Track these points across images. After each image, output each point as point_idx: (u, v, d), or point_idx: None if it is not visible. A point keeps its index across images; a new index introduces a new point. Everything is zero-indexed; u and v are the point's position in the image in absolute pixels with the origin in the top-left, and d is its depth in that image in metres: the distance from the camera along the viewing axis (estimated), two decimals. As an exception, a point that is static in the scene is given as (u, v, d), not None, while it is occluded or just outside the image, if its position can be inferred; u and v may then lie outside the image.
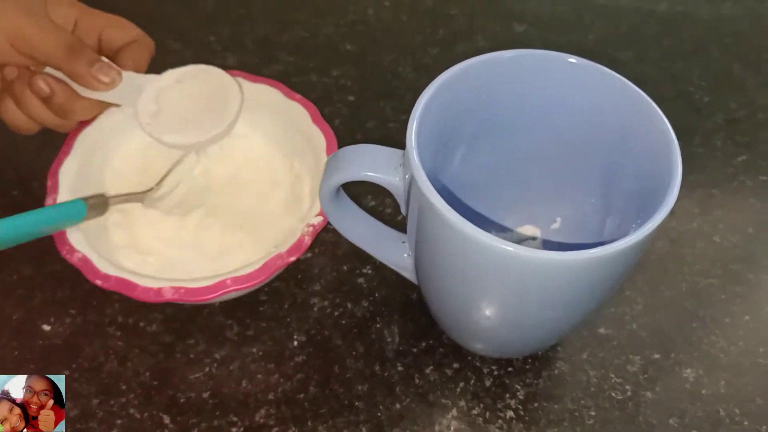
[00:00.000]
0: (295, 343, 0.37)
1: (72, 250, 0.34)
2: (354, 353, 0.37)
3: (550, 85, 0.33)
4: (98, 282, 0.33)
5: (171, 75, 0.38)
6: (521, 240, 0.39)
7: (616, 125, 0.32)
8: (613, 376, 0.37)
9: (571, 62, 0.32)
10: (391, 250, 0.35)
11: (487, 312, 0.32)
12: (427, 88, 0.31)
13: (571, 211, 0.37)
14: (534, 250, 0.26)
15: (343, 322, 0.38)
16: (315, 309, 0.38)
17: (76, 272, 0.38)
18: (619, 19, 0.55)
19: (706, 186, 0.45)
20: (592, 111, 0.33)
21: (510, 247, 0.25)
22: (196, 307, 0.38)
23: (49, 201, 0.36)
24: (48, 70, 0.36)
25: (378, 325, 0.38)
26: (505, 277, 0.28)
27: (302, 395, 0.35)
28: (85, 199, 0.35)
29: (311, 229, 0.34)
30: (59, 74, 0.36)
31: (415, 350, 0.37)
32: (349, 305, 0.39)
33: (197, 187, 0.40)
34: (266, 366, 0.36)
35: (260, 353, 0.37)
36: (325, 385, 0.36)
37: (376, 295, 0.39)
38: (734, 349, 0.38)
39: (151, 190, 0.39)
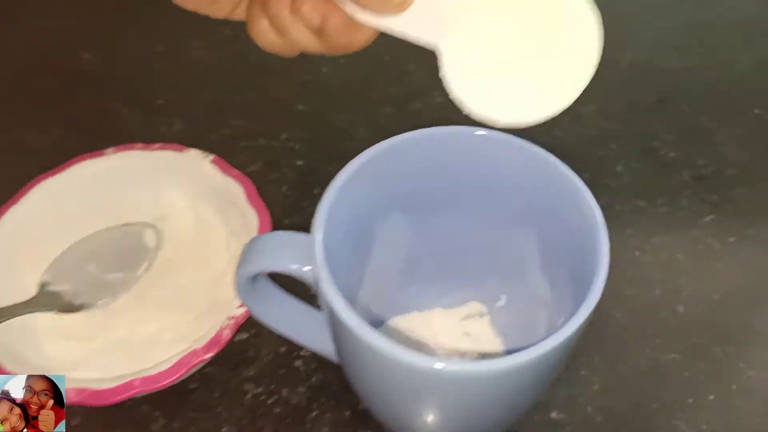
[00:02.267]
0: (225, 435, 0.35)
1: None
2: (286, 446, 0.35)
3: (467, 160, 0.31)
4: None
5: None
6: (467, 317, 0.37)
7: (543, 199, 0.30)
8: (565, 466, 0.34)
9: (480, 135, 0.30)
10: (316, 336, 0.33)
11: (418, 420, 0.29)
12: (340, 174, 0.29)
13: (515, 288, 0.35)
14: (436, 361, 0.23)
15: (277, 410, 0.36)
16: (248, 396, 0.36)
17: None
18: (583, 71, 0.52)
19: (670, 249, 0.42)
20: (515, 185, 0.31)
21: (409, 357, 0.23)
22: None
23: None
24: None
25: (314, 414, 0.36)
26: (420, 389, 0.26)
27: (229, 494, 0.33)
28: None
29: (232, 322, 0.32)
30: None
31: (351, 441, 0.35)
32: (285, 392, 0.36)
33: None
34: (192, 462, 0.34)
35: (187, 447, 0.35)
36: (253, 483, 0.34)
37: (313, 379, 0.37)
38: (697, 435, 0.35)
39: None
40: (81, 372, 0.32)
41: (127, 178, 0.39)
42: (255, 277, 0.31)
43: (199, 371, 0.37)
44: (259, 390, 0.36)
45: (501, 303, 0.36)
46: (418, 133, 0.30)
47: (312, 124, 0.49)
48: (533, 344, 0.23)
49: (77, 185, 0.38)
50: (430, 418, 0.29)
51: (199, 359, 0.31)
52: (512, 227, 0.32)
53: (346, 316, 0.24)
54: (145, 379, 0.31)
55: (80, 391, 0.30)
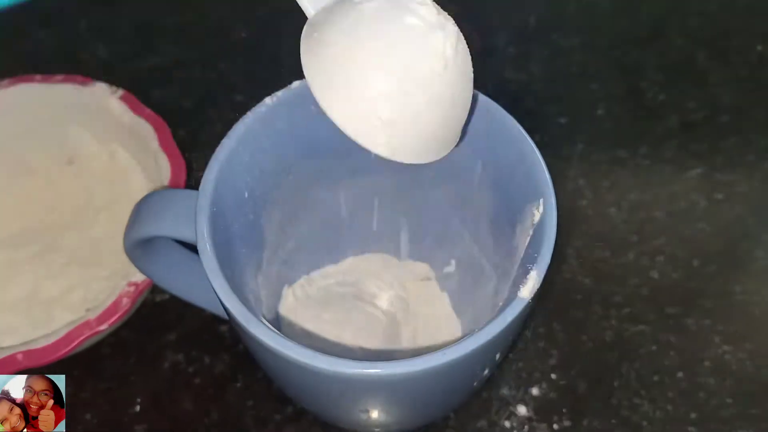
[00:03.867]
0: (138, 408, 0.31)
1: None
2: (206, 421, 0.31)
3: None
4: None
5: None
6: (414, 280, 0.33)
7: (492, 163, 0.25)
8: (514, 447, 0.31)
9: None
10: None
11: (344, 418, 0.26)
12: (236, 125, 0.24)
13: (461, 256, 0.31)
14: (342, 363, 0.19)
15: (198, 381, 0.32)
16: (166, 364, 0.33)
17: None
18: (566, -2, 0.46)
19: (648, 208, 0.37)
20: (468, 143, 0.26)
21: (309, 360, 0.19)
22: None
23: None
24: None
25: (238, 385, 0.32)
26: (333, 391, 0.22)
27: (139, 474, 0.30)
28: None
29: (133, 289, 0.28)
30: None
31: (278, 417, 0.31)
32: (207, 359, 0.33)
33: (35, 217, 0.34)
34: (99, 437, 0.31)
35: (95, 421, 0.31)
36: (167, 462, 0.30)
37: (240, 346, 0.33)
38: (660, 415, 0.32)
39: None
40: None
41: (27, 116, 0.34)
42: (152, 238, 0.26)
43: (114, 334, 0.33)
44: (179, 357, 0.33)
45: (450, 269, 0.32)
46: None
47: (255, 53, 0.43)
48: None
49: None
50: (355, 416, 0.25)
51: (93, 332, 0.27)
52: (453, 188, 0.27)
53: (232, 305, 0.20)
54: (30, 353, 0.27)
55: None
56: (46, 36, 0.43)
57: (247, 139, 0.24)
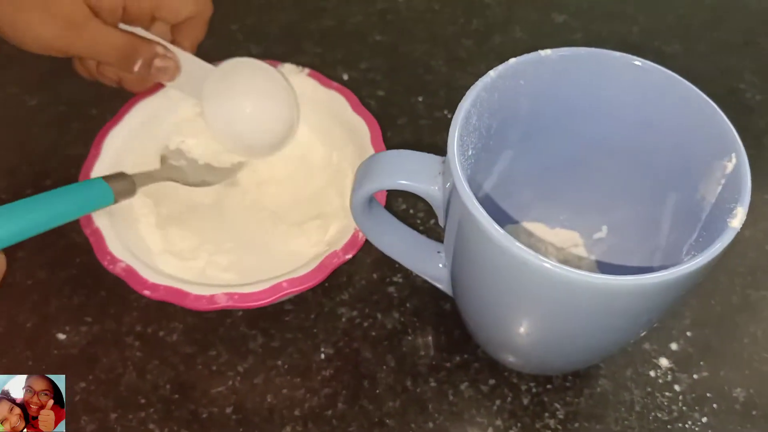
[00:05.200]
0: (323, 356, 0.35)
1: (114, 259, 0.32)
2: (384, 367, 0.35)
3: (602, 87, 0.30)
4: (146, 292, 0.31)
5: (223, 68, 0.38)
6: (561, 250, 0.37)
7: (674, 131, 0.30)
8: (658, 395, 0.35)
9: (624, 62, 0.30)
10: (426, 261, 0.33)
11: (528, 332, 0.29)
12: (470, 90, 0.28)
13: (618, 221, 0.35)
14: (585, 274, 0.23)
15: (373, 333, 0.36)
16: (343, 320, 0.36)
17: (92, 277, 0.37)
18: (666, 9, 0.51)
19: (758, 192, 0.41)
20: (647, 115, 0.30)
21: (559, 269, 0.23)
22: (218, 316, 0.36)
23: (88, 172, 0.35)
24: None
25: (410, 338, 0.36)
26: (551, 299, 0.26)
27: (330, 411, 0.34)
28: (107, 178, 0.33)
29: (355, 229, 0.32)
30: None
31: (448, 365, 0.35)
32: (379, 316, 0.37)
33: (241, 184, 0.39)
34: (292, 380, 0.34)
35: (285, 366, 0.35)
36: (354, 401, 0.34)
37: (408, 305, 0.37)
38: (788, 368, 0.35)
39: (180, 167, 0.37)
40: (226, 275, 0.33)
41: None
42: (370, 201, 0.31)
43: (293, 296, 0.37)
44: (354, 314, 0.37)
45: (601, 234, 0.36)
46: (551, 53, 0.29)
47: (390, 55, 0.48)
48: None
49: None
50: (541, 335, 0.29)
51: (341, 260, 0.32)
52: (634, 158, 0.32)
53: (491, 226, 0.24)
54: (293, 280, 0.31)
55: (230, 295, 0.31)
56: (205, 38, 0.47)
57: (484, 93, 0.28)
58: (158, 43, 0.36)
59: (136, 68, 0.35)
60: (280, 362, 0.35)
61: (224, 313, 0.36)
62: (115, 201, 0.33)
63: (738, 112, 0.45)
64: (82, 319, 0.36)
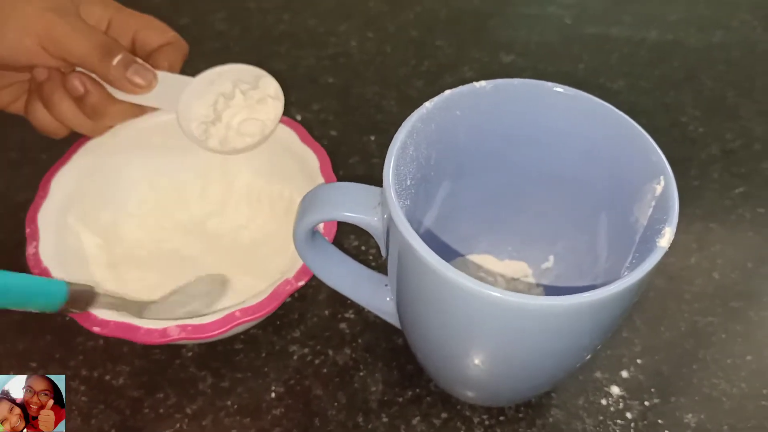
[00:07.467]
0: (273, 394, 0.35)
1: None
2: (336, 404, 0.35)
3: (538, 116, 0.31)
4: (96, 329, 0.31)
5: (204, 77, 0.38)
6: (512, 281, 0.37)
7: (608, 158, 0.31)
8: (610, 423, 0.35)
9: (558, 92, 0.31)
10: (373, 294, 0.33)
11: (477, 361, 0.29)
12: (406, 121, 0.29)
13: (563, 250, 0.35)
14: (524, 296, 0.24)
15: (324, 370, 0.36)
16: (294, 357, 0.36)
17: (37, 321, 0.36)
18: (610, 49, 0.53)
19: (704, 219, 0.43)
20: (582, 143, 0.31)
21: (498, 293, 0.23)
22: (167, 357, 0.36)
23: (29, 250, 0.33)
24: (81, 70, 0.35)
25: (361, 374, 0.36)
26: (495, 324, 0.26)
27: (280, 451, 0.33)
28: (70, 284, 0.31)
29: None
30: (93, 76, 0.35)
31: (400, 399, 0.35)
32: (331, 352, 0.36)
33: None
34: (242, 420, 0.34)
35: (235, 407, 0.34)
36: (304, 440, 0.33)
37: (360, 341, 0.37)
38: (737, 392, 0.36)
39: (153, 303, 0.35)
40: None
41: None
42: (313, 234, 0.31)
43: (244, 332, 0.37)
44: (305, 351, 0.36)
45: (548, 264, 0.36)
46: (481, 85, 0.30)
47: (342, 96, 0.49)
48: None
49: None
50: (486, 363, 0.29)
51: (293, 287, 0.32)
52: (572, 186, 0.32)
53: (428, 254, 0.24)
54: (246, 310, 0.31)
55: (183, 327, 0.30)
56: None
57: (421, 124, 0.29)
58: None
59: (115, 63, 0.33)
60: (229, 402, 0.34)
61: (173, 354, 0.36)
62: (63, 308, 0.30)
63: (681, 144, 0.47)
64: (27, 364, 0.35)
